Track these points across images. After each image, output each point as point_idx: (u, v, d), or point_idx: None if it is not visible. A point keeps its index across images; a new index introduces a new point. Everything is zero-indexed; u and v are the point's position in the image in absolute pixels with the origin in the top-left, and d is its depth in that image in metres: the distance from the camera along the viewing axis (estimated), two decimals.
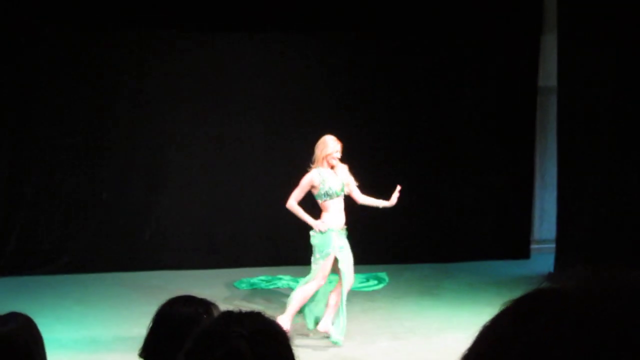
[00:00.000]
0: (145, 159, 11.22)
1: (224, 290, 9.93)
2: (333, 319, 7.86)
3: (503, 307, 0.98)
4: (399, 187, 8.19)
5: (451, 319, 8.74)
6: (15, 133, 10.91)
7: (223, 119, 11.22)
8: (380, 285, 10.33)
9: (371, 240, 11.47)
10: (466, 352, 1.00)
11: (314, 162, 7.95)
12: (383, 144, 11.53)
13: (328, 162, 7.89)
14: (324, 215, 7.94)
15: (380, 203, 8.29)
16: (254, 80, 11.25)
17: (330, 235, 7.81)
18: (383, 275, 10.69)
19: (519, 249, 11.97)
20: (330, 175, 7.92)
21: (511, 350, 0.90)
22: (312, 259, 7.91)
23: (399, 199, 8.23)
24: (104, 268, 10.92)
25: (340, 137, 11.10)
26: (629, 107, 10.50)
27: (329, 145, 7.88)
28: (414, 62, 11.54)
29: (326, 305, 8.00)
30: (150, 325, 2.75)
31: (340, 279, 7.95)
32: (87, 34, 10.88)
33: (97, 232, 11.12)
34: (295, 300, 7.84)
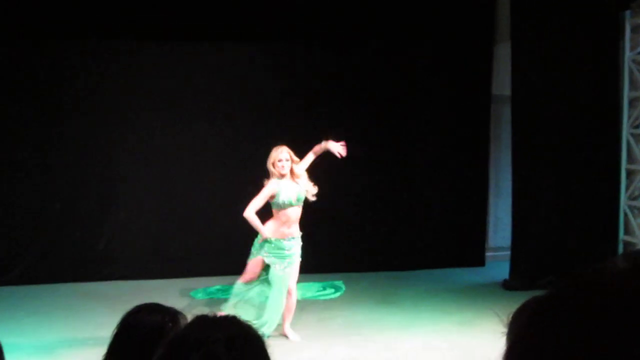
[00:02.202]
0: (98, 169, 11.10)
1: (181, 299, 9.85)
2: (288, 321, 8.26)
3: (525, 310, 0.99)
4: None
5: (409, 326, 8.77)
6: None
7: (176, 129, 11.15)
8: (337, 294, 10.33)
9: (327, 248, 11.49)
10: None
11: (270, 174, 8.06)
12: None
13: (278, 171, 7.99)
14: (271, 221, 8.10)
15: (325, 146, 8.55)
16: (206, 90, 11.20)
17: (264, 243, 8.04)
18: (340, 283, 10.69)
19: (474, 256, 12.05)
20: (287, 185, 8.05)
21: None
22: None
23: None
24: (57, 279, 10.79)
25: (296, 146, 11.13)
26: (581, 116, 10.67)
27: (272, 155, 8.06)
28: (368, 71, 11.58)
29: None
30: (115, 331, 2.72)
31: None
32: (36, 45, 10.75)
33: (50, 243, 10.97)
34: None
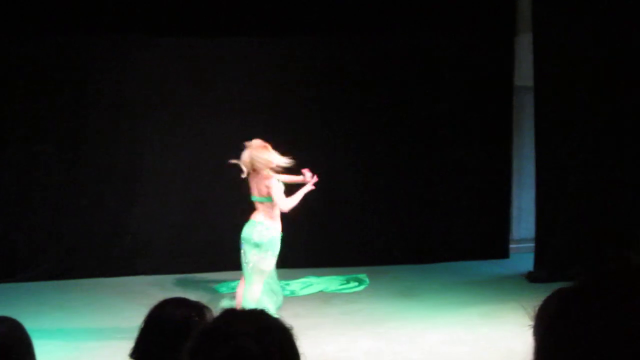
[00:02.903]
0: (124, 165, 11.16)
1: (206, 294, 9.89)
2: None
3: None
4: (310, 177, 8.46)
5: (433, 319, 8.77)
6: None
7: (201, 124, 11.18)
8: (361, 287, 10.34)
9: (350, 242, 11.51)
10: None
11: (269, 170, 8.21)
12: (361, 146, 11.55)
13: (282, 167, 8.19)
14: (277, 217, 8.25)
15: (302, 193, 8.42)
16: (231, 85, 11.23)
17: (278, 239, 8.18)
18: (363, 276, 10.70)
19: (498, 248, 12.01)
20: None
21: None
22: (255, 256, 8.12)
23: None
24: (84, 274, 10.86)
25: (317, 141, 11.16)
26: (605, 105, 10.59)
27: (270, 153, 8.16)
28: (391, 64, 11.56)
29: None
30: (142, 326, 2.74)
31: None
32: (60, 39, 10.82)
33: (76, 238, 11.05)
34: (251, 303, 8.03)
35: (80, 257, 11.00)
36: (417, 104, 11.67)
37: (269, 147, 8.17)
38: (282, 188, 8.14)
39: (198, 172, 11.22)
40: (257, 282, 8.14)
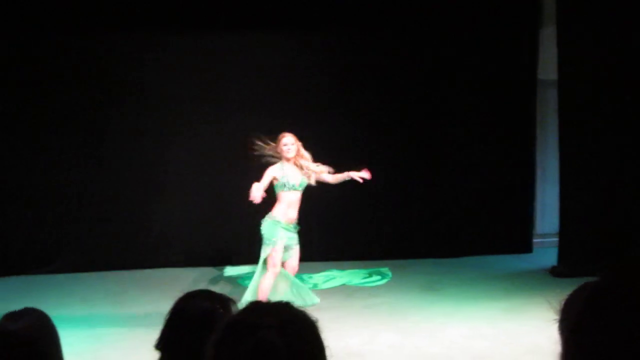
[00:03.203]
0: (148, 157, 11.21)
1: (229, 287, 9.93)
2: None
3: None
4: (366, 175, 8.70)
5: (455, 313, 8.75)
6: (15, 133, 10.90)
7: (224, 115, 11.21)
8: (383, 281, 10.34)
9: (373, 236, 11.51)
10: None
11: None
12: (384, 140, 11.54)
13: (283, 156, 8.50)
14: (277, 205, 8.50)
15: (348, 175, 8.74)
16: (252, 80, 11.24)
17: (276, 226, 8.39)
18: (386, 270, 10.70)
19: (522, 243, 11.97)
20: (291, 170, 8.50)
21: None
22: (262, 248, 8.45)
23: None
24: (107, 266, 10.94)
25: (341, 135, 11.17)
26: (630, 98, 10.50)
27: (278, 140, 8.56)
28: (414, 57, 11.54)
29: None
30: (167, 318, 2.76)
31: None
32: (85, 35, 10.88)
33: (99, 231, 11.12)
34: (262, 296, 8.22)
35: (104, 250, 11.06)
36: (440, 97, 11.63)
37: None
38: (266, 176, 8.41)
39: (221, 166, 11.24)
40: (268, 273, 8.39)
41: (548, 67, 11.63)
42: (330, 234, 11.33)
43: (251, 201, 8.15)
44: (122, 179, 11.16)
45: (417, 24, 11.49)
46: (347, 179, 8.74)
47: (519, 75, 11.82)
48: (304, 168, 8.57)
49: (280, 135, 8.56)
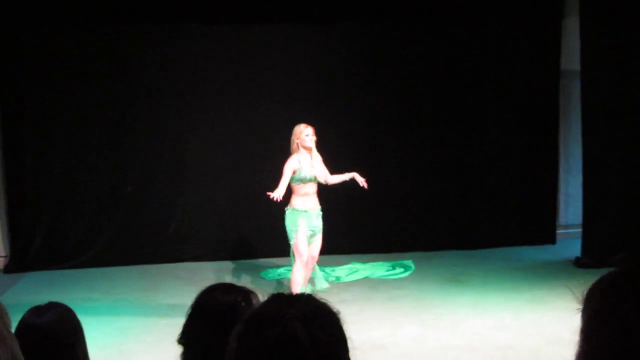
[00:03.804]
0: (168, 153, 11.23)
1: (251, 280, 9.96)
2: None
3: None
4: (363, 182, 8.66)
5: (478, 305, 8.73)
6: (39, 130, 10.96)
7: (246, 111, 11.22)
8: (407, 273, 10.33)
9: (396, 228, 11.51)
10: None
11: (292, 150, 8.47)
12: (408, 131, 11.52)
13: (303, 145, 8.39)
14: (293, 197, 8.48)
15: (347, 176, 8.70)
16: (275, 74, 11.24)
17: (295, 216, 8.37)
18: (409, 262, 10.69)
19: (545, 234, 11.92)
20: (306, 161, 8.41)
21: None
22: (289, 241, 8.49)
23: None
24: (130, 261, 10.99)
25: (365, 126, 11.16)
26: None
27: (298, 130, 8.44)
28: (437, 47, 11.51)
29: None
30: (189, 312, 2.76)
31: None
32: (107, 30, 10.91)
33: (122, 226, 11.17)
34: (294, 286, 8.29)
35: (126, 244, 11.11)
36: (463, 88, 11.60)
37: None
38: (288, 172, 8.37)
39: (243, 160, 11.26)
40: (295, 263, 8.42)
41: (571, 58, 11.56)
42: (353, 226, 11.33)
43: (272, 199, 8.11)
44: (146, 174, 11.19)
45: (441, 16, 11.44)
46: (347, 180, 8.67)
47: (542, 66, 11.75)
48: (316, 163, 8.47)
49: (302, 125, 8.46)
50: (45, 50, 10.83)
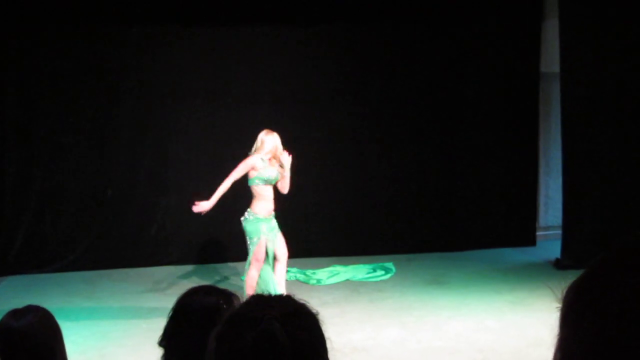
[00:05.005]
0: (149, 155, 11.19)
1: (232, 283, 9.94)
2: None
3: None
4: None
5: (460, 306, 8.76)
6: (20, 132, 10.89)
7: (227, 114, 11.20)
8: (388, 276, 10.34)
9: (377, 231, 11.50)
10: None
11: (257, 150, 8.43)
12: (388, 134, 11.52)
13: (273, 152, 8.38)
14: (254, 202, 8.44)
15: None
16: (257, 76, 11.22)
17: (258, 223, 8.34)
18: (390, 265, 10.70)
19: (525, 236, 11.96)
20: (269, 164, 8.41)
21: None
22: (248, 245, 8.43)
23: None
24: (111, 265, 10.94)
25: (344, 128, 11.15)
26: (632, 92, 10.50)
27: (274, 140, 8.42)
28: (416, 50, 11.52)
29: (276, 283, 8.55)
30: (170, 314, 2.75)
31: (275, 259, 8.49)
32: (87, 32, 10.86)
33: (103, 230, 11.12)
34: (247, 288, 8.31)
35: (107, 248, 11.06)
36: (443, 91, 11.62)
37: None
38: (247, 167, 8.39)
39: (225, 163, 11.21)
40: (251, 268, 8.40)
41: (551, 60, 11.61)
42: (334, 229, 11.32)
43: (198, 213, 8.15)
44: (126, 177, 11.14)
45: (420, 18, 11.46)
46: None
47: (522, 68, 11.80)
48: (282, 167, 8.44)
49: (268, 131, 8.47)
50: (25, 53, 10.77)
